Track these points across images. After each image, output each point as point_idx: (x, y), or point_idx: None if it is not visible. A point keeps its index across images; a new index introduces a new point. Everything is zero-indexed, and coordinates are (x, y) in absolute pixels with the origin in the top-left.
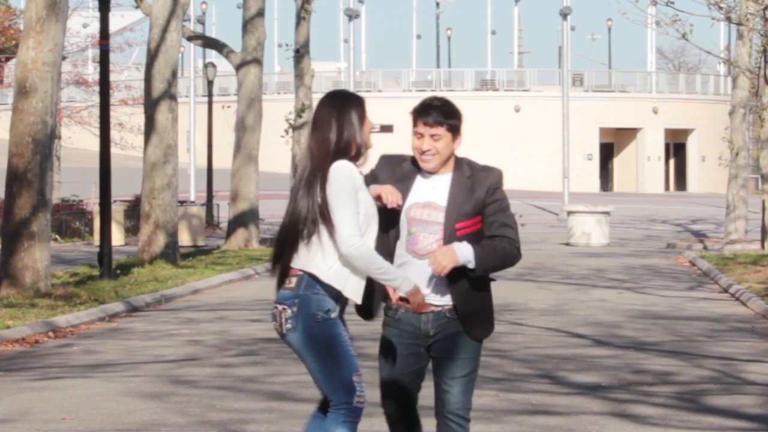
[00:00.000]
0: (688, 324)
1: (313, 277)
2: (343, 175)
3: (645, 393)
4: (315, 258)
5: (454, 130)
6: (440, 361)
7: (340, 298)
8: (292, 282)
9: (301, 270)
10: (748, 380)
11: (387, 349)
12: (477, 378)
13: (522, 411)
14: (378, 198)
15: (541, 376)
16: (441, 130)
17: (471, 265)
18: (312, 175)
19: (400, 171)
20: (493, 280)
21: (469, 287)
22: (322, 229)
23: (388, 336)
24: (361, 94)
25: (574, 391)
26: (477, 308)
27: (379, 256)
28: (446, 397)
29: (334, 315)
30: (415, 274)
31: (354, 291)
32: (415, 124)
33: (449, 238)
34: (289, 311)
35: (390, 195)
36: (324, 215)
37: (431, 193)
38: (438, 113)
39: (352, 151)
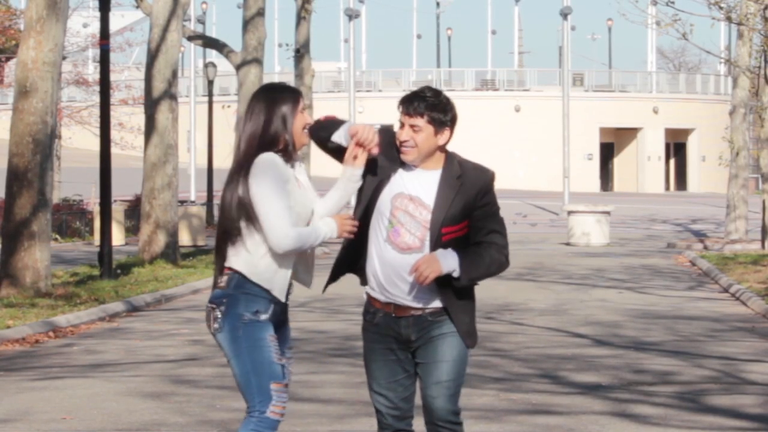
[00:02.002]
0: (689, 324)
1: (243, 276)
2: (265, 167)
3: (645, 393)
4: (241, 255)
5: (438, 124)
6: (424, 367)
7: (274, 298)
8: (224, 281)
9: (230, 268)
10: (748, 380)
11: (371, 358)
12: (463, 384)
13: (522, 411)
14: (353, 138)
15: (542, 375)
16: (421, 122)
17: (456, 274)
18: (236, 169)
19: (389, 151)
20: (475, 284)
21: (457, 291)
22: (247, 225)
23: (369, 343)
24: (361, 94)
25: (575, 390)
26: (467, 312)
27: (305, 230)
28: (433, 403)
29: (263, 317)
30: (392, 271)
31: (280, 289)
32: (400, 113)
33: (435, 241)
34: (218, 310)
35: (366, 133)
36: (247, 210)
37: (418, 188)
38: (421, 103)
39: (280, 145)
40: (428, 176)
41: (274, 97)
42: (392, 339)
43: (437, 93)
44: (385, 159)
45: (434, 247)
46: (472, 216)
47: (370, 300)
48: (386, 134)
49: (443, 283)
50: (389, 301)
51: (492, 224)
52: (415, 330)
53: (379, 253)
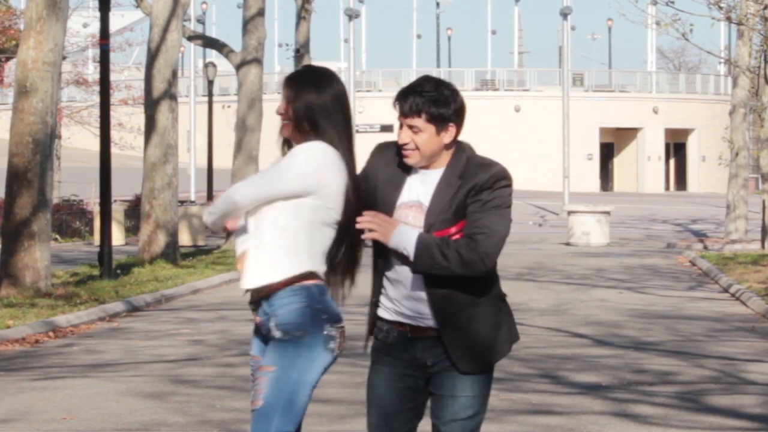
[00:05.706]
0: (689, 324)
1: None
2: None
3: (645, 393)
4: None
5: (439, 121)
6: (438, 399)
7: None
8: None
9: None
10: (748, 380)
11: (377, 384)
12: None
13: (522, 411)
14: None
15: (542, 375)
16: (419, 122)
17: (407, 254)
18: None
19: (393, 168)
20: (505, 294)
21: (456, 304)
22: None
23: (379, 365)
24: (361, 94)
25: (575, 390)
26: (468, 330)
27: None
28: None
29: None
30: (401, 285)
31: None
32: (397, 112)
33: None
34: None
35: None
36: None
37: (422, 191)
38: (417, 100)
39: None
40: (432, 176)
41: None
42: (406, 363)
43: (437, 84)
44: (392, 174)
45: None
46: (466, 213)
47: (380, 318)
48: (382, 150)
49: (438, 295)
50: (404, 320)
51: (482, 218)
52: (432, 354)
53: (387, 267)
